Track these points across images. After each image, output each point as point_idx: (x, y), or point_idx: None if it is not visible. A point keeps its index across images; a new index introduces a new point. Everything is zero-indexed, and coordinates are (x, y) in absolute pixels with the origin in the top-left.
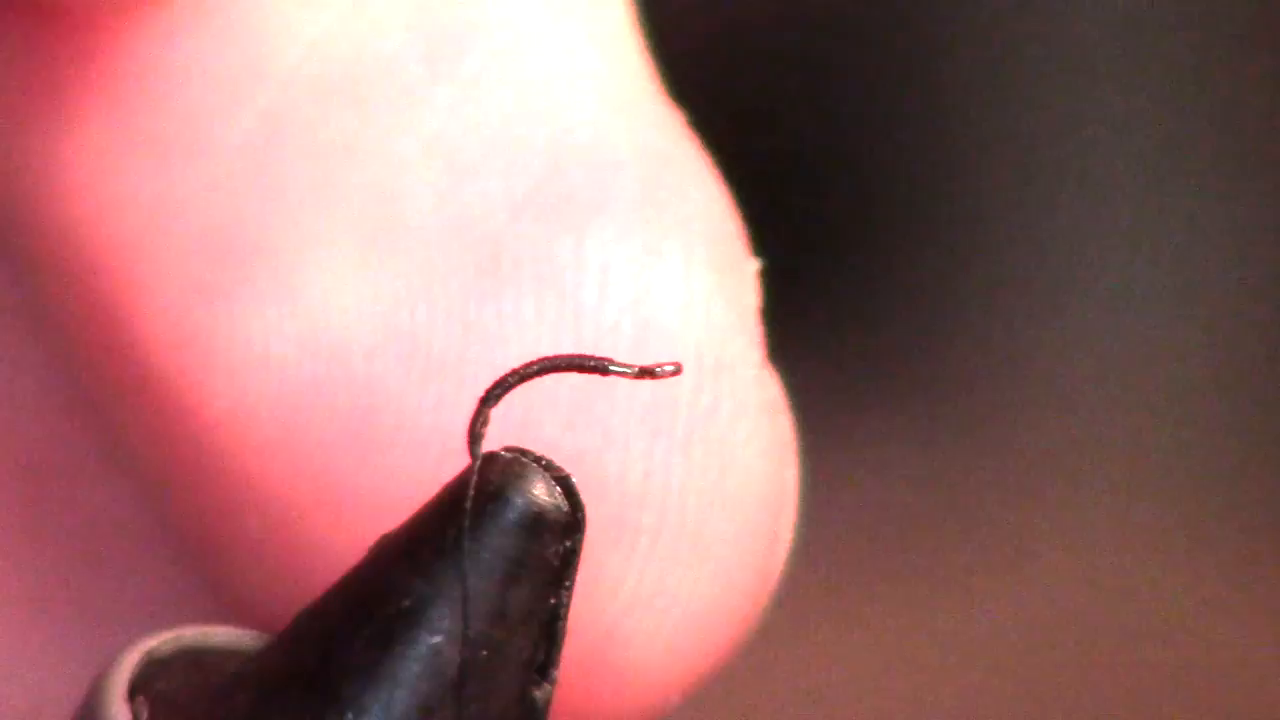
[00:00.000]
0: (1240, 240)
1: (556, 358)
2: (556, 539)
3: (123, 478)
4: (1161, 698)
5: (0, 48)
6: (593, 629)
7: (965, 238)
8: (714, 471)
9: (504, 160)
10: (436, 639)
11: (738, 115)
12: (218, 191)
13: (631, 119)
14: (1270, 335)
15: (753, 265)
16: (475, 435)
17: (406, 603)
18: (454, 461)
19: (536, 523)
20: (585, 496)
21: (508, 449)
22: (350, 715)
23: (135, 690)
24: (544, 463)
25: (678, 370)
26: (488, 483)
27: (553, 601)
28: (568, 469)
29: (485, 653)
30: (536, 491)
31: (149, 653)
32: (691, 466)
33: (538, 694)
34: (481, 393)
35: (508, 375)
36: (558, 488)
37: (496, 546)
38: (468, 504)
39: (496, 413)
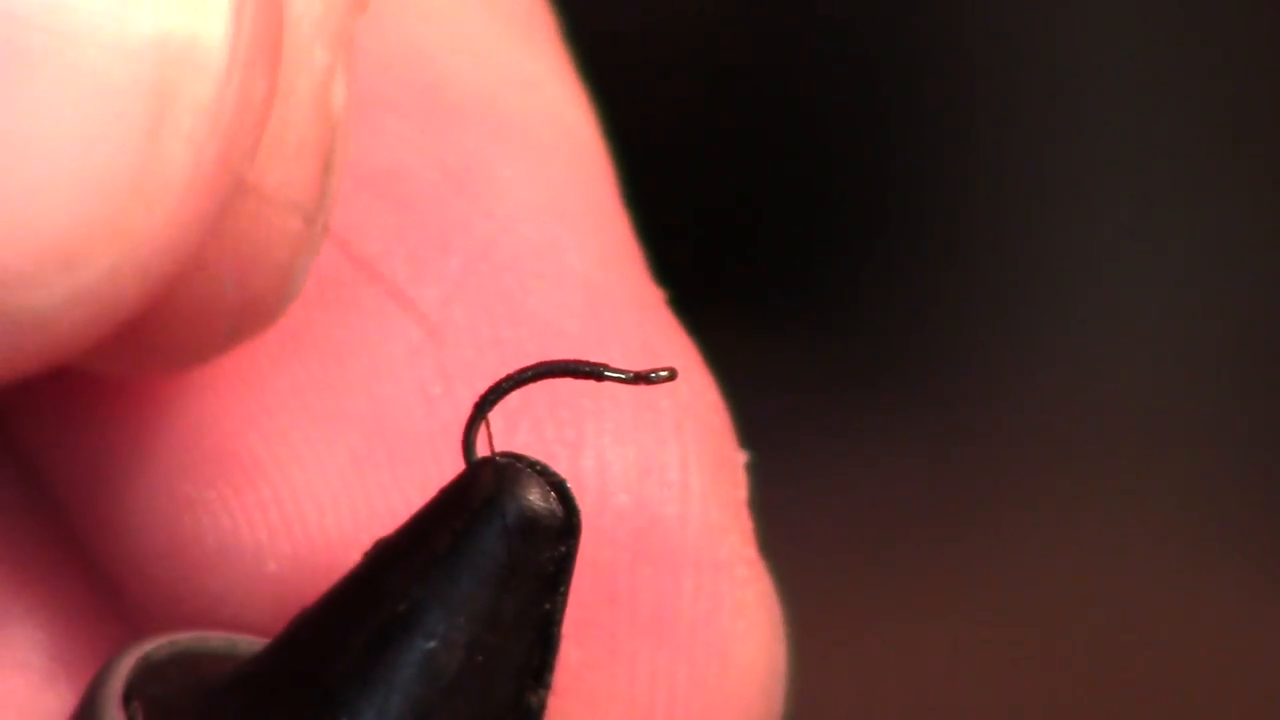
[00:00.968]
0: (1239, 242)
1: (552, 363)
2: (551, 544)
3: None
4: (1160, 698)
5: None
6: None
7: (964, 240)
8: (716, 671)
9: (493, 361)
10: (432, 643)
11: (736, 116)
12: (208, 407)
13: (620, 314)
14: (1270, 336)
15: (741, 458)
16: (470, 441)
17: (402, 607)
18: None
19: (531, 528)
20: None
21: (502, 454)
22: (345, 719)
23: (130, 694)
24: (539, 468)
25: (672, 376)
26: (482, 488)
27: (548, 606)
28: None
29: (480, 657)
30: (531, 497)
31: (144, 657)
32: (695, 670)
33: (533, 699)
34: (476, 398)
35: (503, 381)
36: (552, 493)
37: (491, 551)
38: (463, 509)
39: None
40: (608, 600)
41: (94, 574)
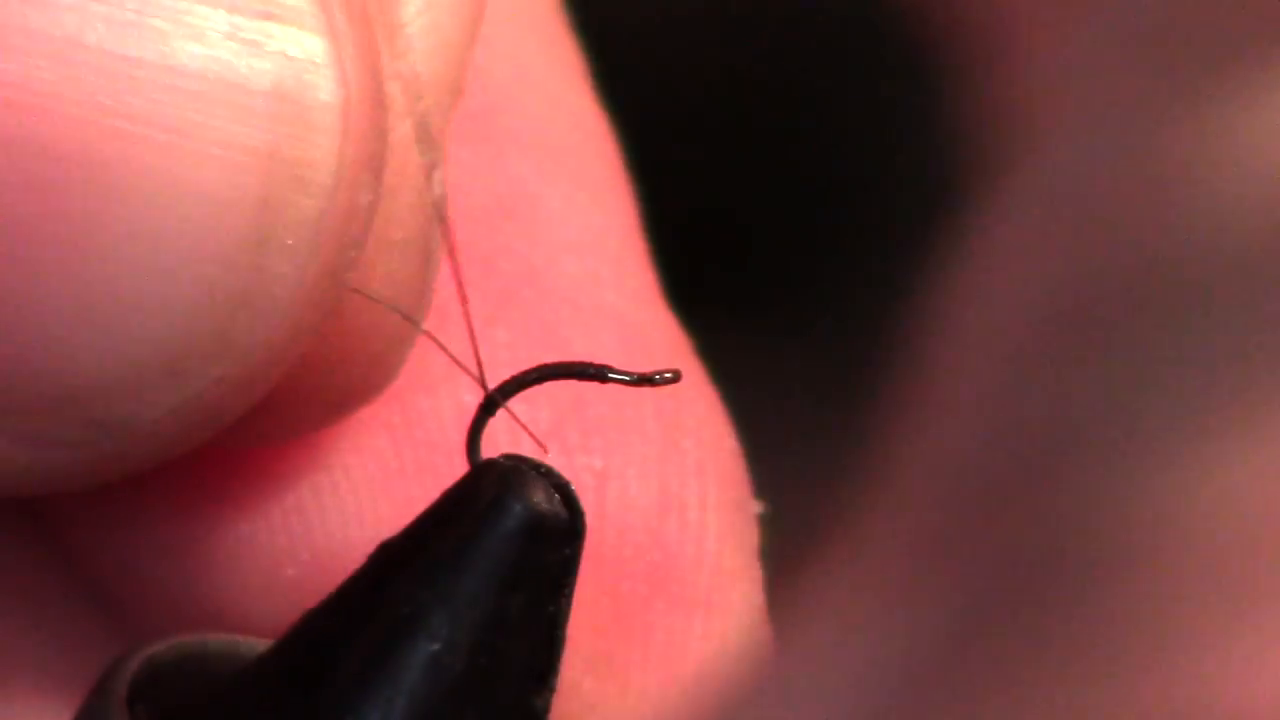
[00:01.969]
0: None
1: (556, 365)
2: (556, 546)
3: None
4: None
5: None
6: None
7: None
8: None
9: (526, 394)
10: (436, 646)
11: (737, 118)
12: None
13: (651, 354)
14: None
15: (756, 507)
16: (475, 442)
17: (406, 609)
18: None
19: (536, 530)
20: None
21: (507, 456)
22: None
23: (135, 696)
24: (543, 470)
25: (677, 378)
26: (487, 490)
27: (552, 608)
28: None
29: (484, 660)
30: (536, 499)
31: (148, 658)
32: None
33: (537, 701)
34: (480, 399)
35: (507, 382)
36: (557, 495)
37: (496, 553)
38: (467, 511)
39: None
40: (623, 633)
41: (90, 588)
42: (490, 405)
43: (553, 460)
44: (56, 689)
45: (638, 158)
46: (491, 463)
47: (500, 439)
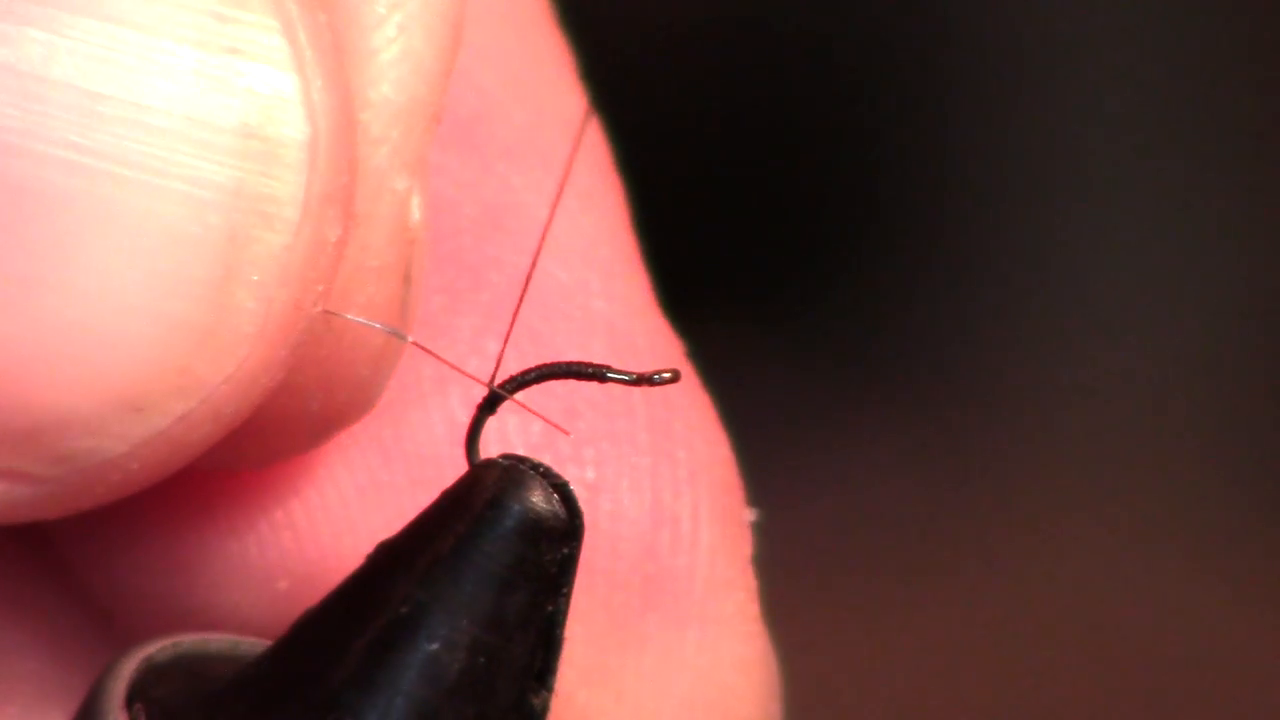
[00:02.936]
0: (1239, 246)
1: (554, 364)
2: (554, 546)
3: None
4: (1159, 698)
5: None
6: None
7: (965, 245)
8: None
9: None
10: (434, 645)
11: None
12: None
13: (641, 361)
14: (1269, 340)
15: (750, 515)
16: (473, 443)
17: (404, 609)
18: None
19: (534, 530)
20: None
21: (505, 456)
22: None
23: (133, 697)
24: (541, 470)
25: (675, 378)
26: (485, 490)
27: (550, 608)
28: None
29: (483, 659)
30: (534, 499)
31: (147, 659)
32: None
33: (535, 700)
34: (479, 400)
35: (505, 382)
36: (555, 495)
37: (494, 553)
38: (466, 510)
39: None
40: (617, 645)
41: (87, 598)
42: (490, 404)
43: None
44: (54, 694)
45: (633, 160)
46: (490, 463)
47: (496, 441)
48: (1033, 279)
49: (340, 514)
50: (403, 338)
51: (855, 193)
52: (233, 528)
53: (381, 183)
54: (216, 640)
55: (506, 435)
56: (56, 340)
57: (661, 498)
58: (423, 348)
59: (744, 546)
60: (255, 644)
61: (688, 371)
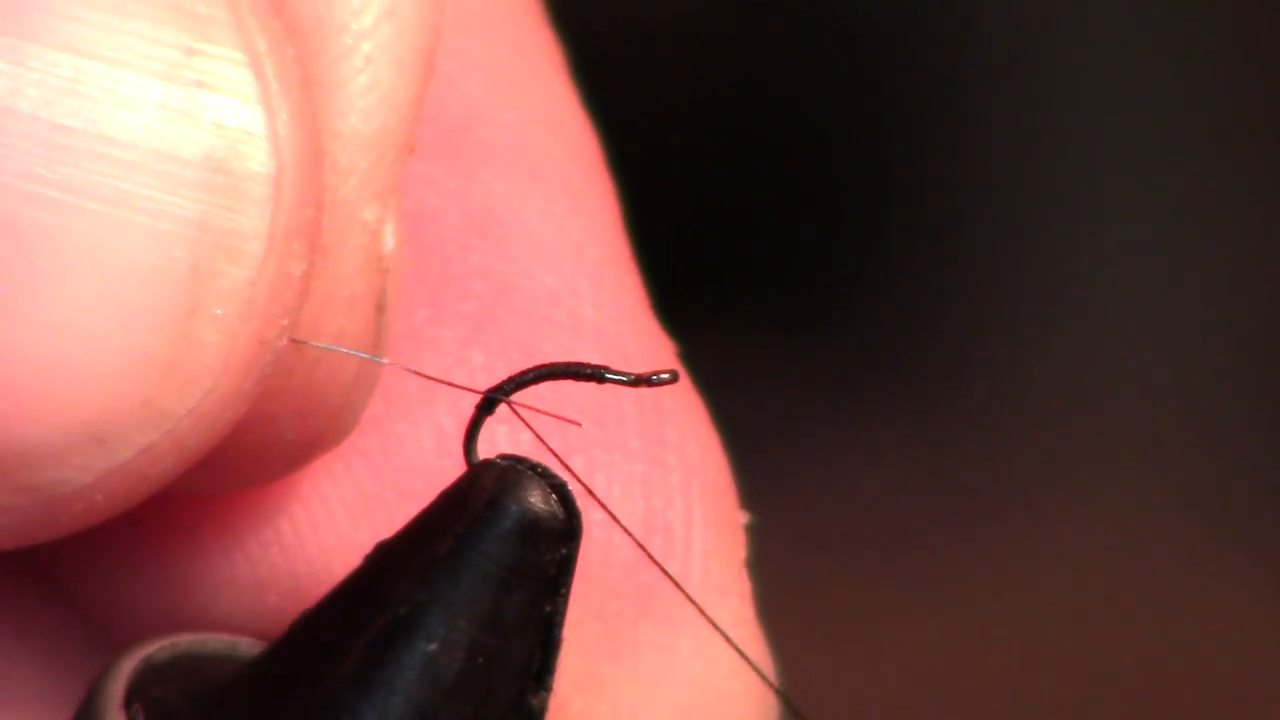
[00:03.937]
0: (1240, 246)
1: (553, 365)
2: (552, 546)
3: None
4: (1160, 697)
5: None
6: None
7: (963, 243)
8: None
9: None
10: (433, 646)
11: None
12: None
13: (630, 368)
14: (1269, 339)
15: (743, 519)
16: (472, 443)
17: (403, 609)
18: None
19: (532, 530)
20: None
21: (504, 456)
22: None
23: (131, 697)
24: (540, 470)
25: (674, 378)
26: (484, 490)
27: (548, 608)
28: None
29: (481, 660)
30: (533, 499)
31: (145, 659)
32: None
33: (534, 701)
34: (478, 400)
35: (504, 382)
36: (554, 495)
37: (492, 554)
38: (464, 511)
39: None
40: (611, 653)
41: (79, 610)
42: (488, 405)
43: None
44: (51, 695)
45: (629, 159)
46: (488, 463)
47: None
48: (1032, 284)
49: (329, 530)
50: (378, 360)
51: (851, 195)
52: (221, 543)
53: (351, 213)
54: (215, 640)
55: (495, 440)
56: (20, 372)
57: (653, 505)
58: (408, 369)
59: (738, 551)
60: (254, 644)
61: (681, 374)
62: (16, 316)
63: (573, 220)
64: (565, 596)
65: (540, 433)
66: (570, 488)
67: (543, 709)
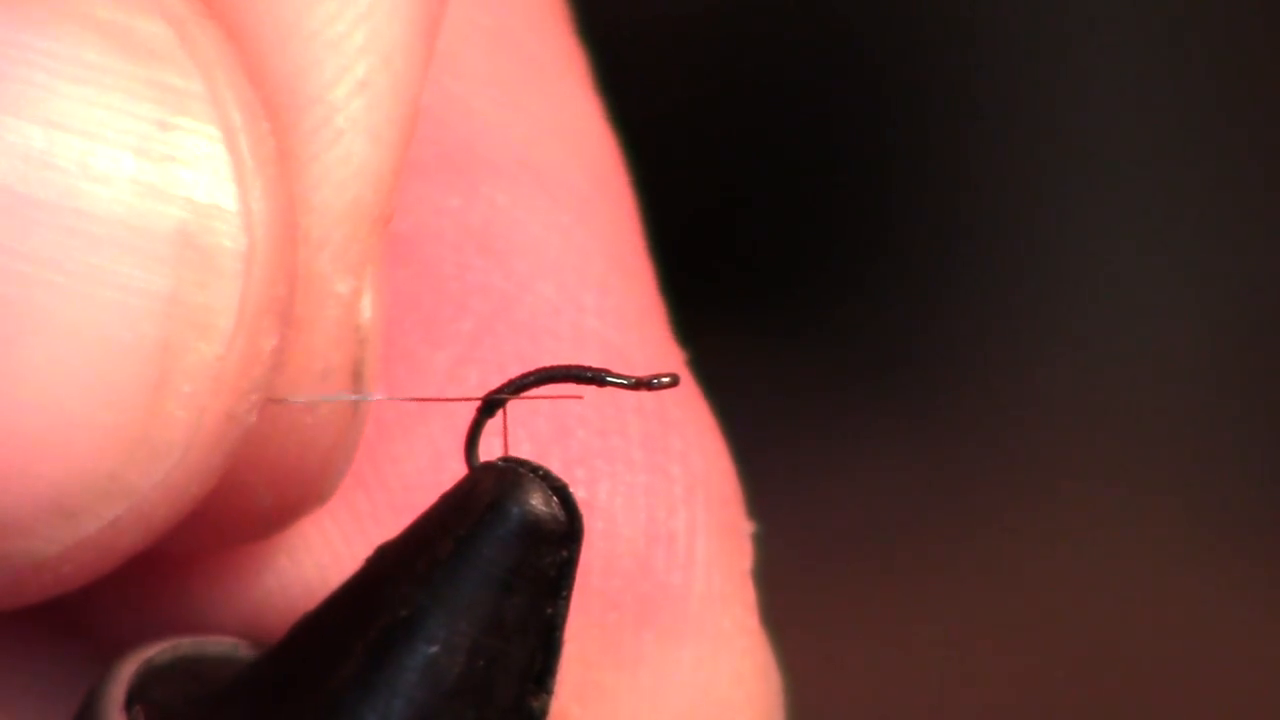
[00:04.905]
0: (1240, 243)
1: (554, 368)
2: (553, 549)
3: None
4: (1159, 698)
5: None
6: None
7: (964, 243)
8: None
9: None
10: (434, 648)
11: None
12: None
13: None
14: (1270, 338)
15: (749, 528)
16: (473, 446)
17: (404, 612)
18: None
19: (533, 533)
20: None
21: (504, 459)
22: None
23: (132, 699)
24: (541, 473)
25: (675, 382)
26: (485, 493)
27: (549, 611)
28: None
29: (482, 662)
30: (533, 501)
31: (146, 661)
32: None
33: (535, 703)
34: (479, 403)
35: (505, 385)
36: (554, 498)
37: (493, 556)
38: (465, 513)
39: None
40: (612, 663)
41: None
42: (489, 408)
43: None
44: (51, 697)
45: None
46: (489, 466)
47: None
48: (1034, 286)
49: (324, 553)
50: (367, 397)
51: (859, 201)
52: (212, 566)
53: (324, 287)
54: (216, 643)
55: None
56: None
57: (656, 515)
58: (397, 399)
59: (743, 560)
60: (254, 647)
61: (687, 381)
62: None
63: (579, 230)
64: (566, 599)
65: (543, 443)
66: (571, 490)
67: (544, 711)
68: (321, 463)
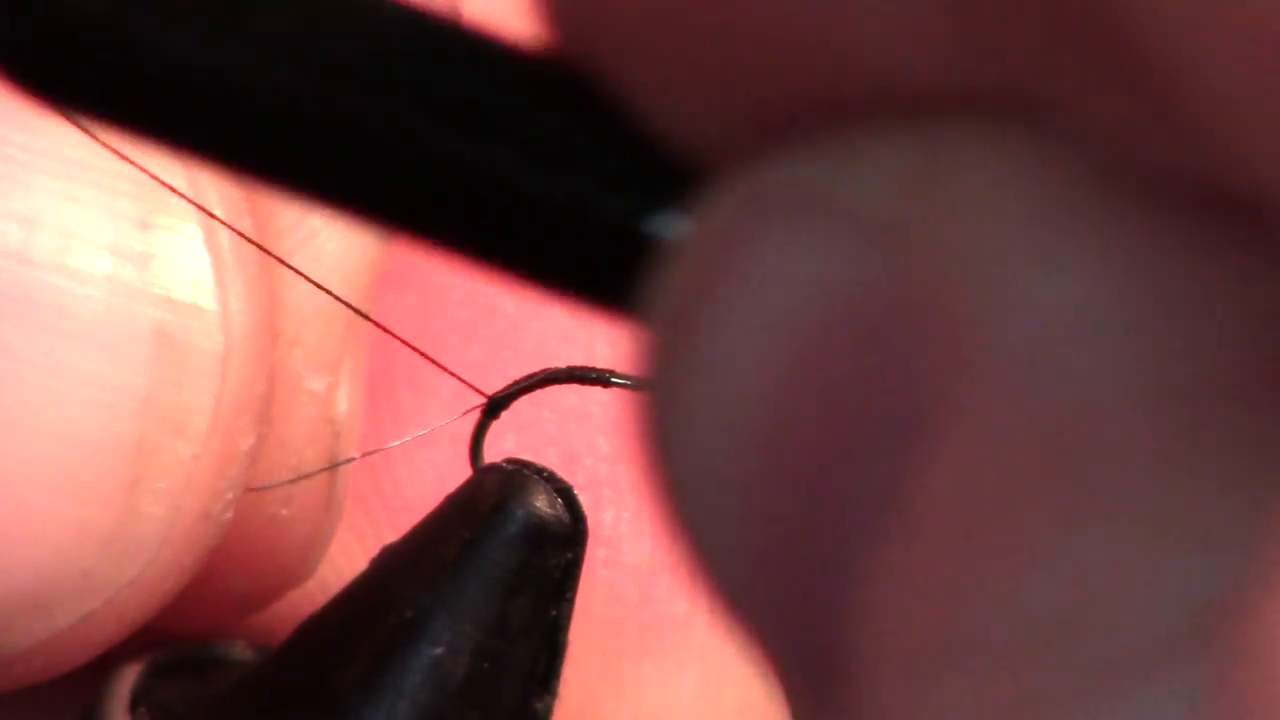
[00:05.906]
0: None
1: (558, 370)
2: (558, 550)
3: None
4: None
5: None
6: None
7: None
8: None
9: (511, 446)
10: (438, 650)
11: None
12: None
13: None
14: None
15: None
16: (477, 447)
17: (409, 614)
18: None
19: (538, 534)
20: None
21: (509, 460)
22: None
23: (137, 700)
24: (545, 474)
25: None
26: (489, 494)
27: (554, 613)
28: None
29: (487, 664)
30: (538, 503)
31: (150, 663)
32: None
33: (539, 705)
34: (483, 404)
35: (510, 387)
36: (559, 499)
37: (498, 558)
38: (470, 515)
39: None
40: (613, 691)
41: None
42: (492, 410)
43: None
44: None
45: None
46: (494, 467)
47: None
48: None
49: (328, 572)
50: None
51: None
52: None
53: (298, 384)
54: (220, 645)
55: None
56: None
57: (660, 544)
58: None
59: None
60: (259, 649)
61: None
62: None
63: None
64: (570, 601)
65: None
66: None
67: (548, 712)
68: (298, 552)
